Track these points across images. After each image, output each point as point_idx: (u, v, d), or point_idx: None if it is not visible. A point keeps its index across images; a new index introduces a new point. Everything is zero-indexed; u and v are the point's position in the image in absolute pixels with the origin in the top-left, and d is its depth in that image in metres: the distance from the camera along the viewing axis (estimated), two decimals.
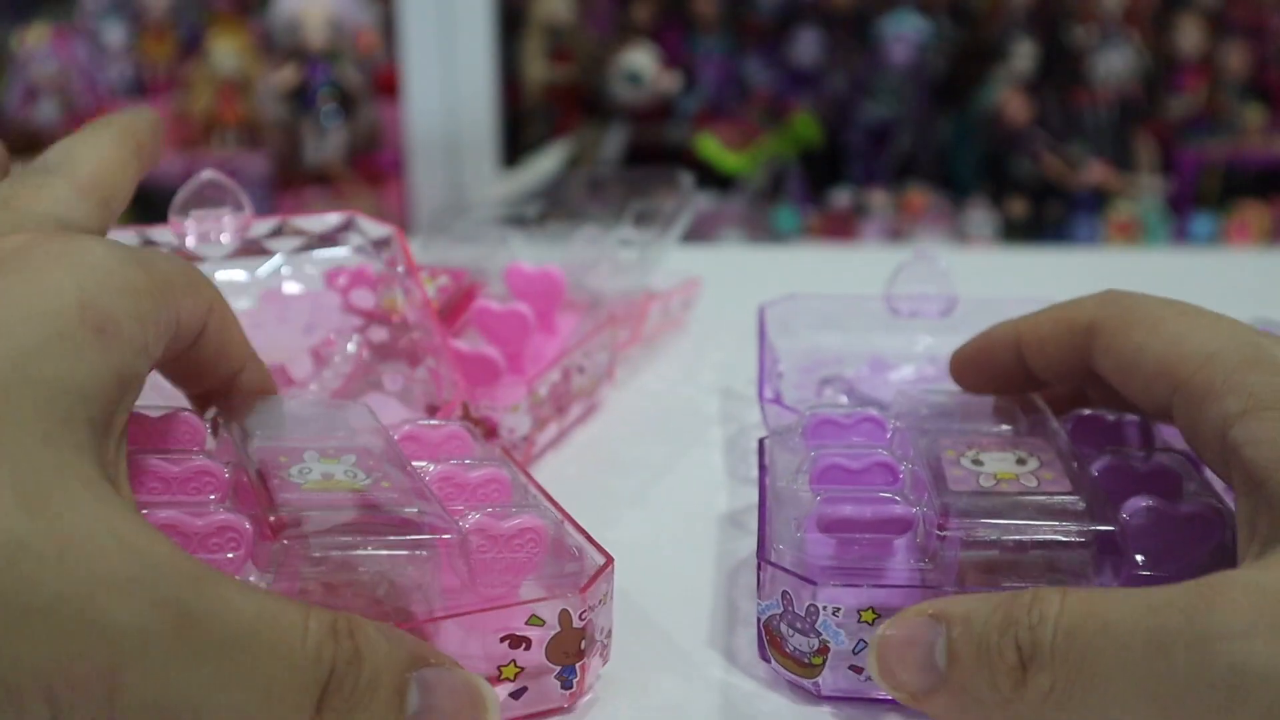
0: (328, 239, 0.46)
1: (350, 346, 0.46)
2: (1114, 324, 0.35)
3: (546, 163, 1.80)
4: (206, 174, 0.44)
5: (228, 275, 0.46)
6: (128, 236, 0.44)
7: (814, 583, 0.32)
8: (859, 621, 0.32)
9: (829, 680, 0.33)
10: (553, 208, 0.65)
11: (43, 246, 0.29)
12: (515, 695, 0.32)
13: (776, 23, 2.04)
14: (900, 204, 2.01)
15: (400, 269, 0.46)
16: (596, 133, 1.91)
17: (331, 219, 0.46)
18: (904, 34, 1.99)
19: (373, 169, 1.80)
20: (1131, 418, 0.40)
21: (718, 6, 2.03)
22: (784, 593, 0.33)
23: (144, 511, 0.30)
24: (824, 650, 0.33)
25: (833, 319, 0.51)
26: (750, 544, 0.43)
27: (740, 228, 1.90)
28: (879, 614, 0.32)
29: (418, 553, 0.30)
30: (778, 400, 0.45)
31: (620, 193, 0.62)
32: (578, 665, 0.32)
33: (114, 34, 1.95)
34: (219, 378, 0.35)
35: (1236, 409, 0.30)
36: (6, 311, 0.27)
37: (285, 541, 0.29)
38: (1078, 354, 0.37)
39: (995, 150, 1.99)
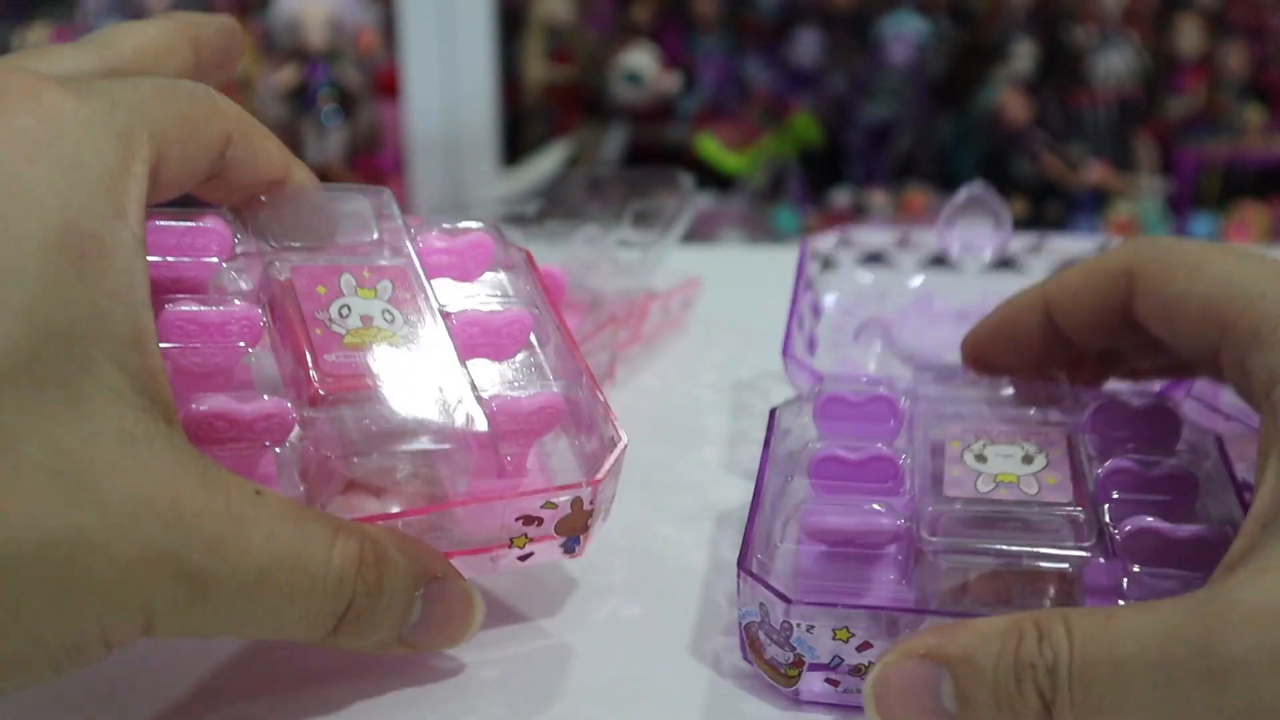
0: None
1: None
2: (1154, 268, 0.34)
3: (546, 163, 1.80)
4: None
5: None
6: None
7: (787, 601, 0.32)
8: (833, 639, 0.32)
9: (806, 690, 0.33)
10: (552, 207, 0.65)
11: (13, 123, 0.27)
12: (522, 558, 0.34)
13: (776, 23, 2.04)
14: (900, 204, 2.01)
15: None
16: (596, 133, 1.91)
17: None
18: (904, 34, 1.99)
19: (373, 169, 1.80)
20: (1159, 403, 0.38)
21: (718, 6, 2.03)
22: (761, 604, 0.33)
23: (192, 405, 0.30)
24: (799, 663, 0.32)
25: (880, 257, 0.50)
26: (734, 549, 0.43)
27: (740, 228, 1.90)
28: (853, 633, 0.32)
29: (446, 446, 0.32)
30: (799, 359, 0.43)
31: (620, 193, 0.62)
32: (581, 535, 0.34)
33: None
34: (258, 193, 0.35)
35: None
36: None
37: (325, 452, 0.31)
38: (1115, 304, 0.35)
39: (995, 150, 1.99)
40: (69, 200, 0.27)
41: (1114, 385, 0.41)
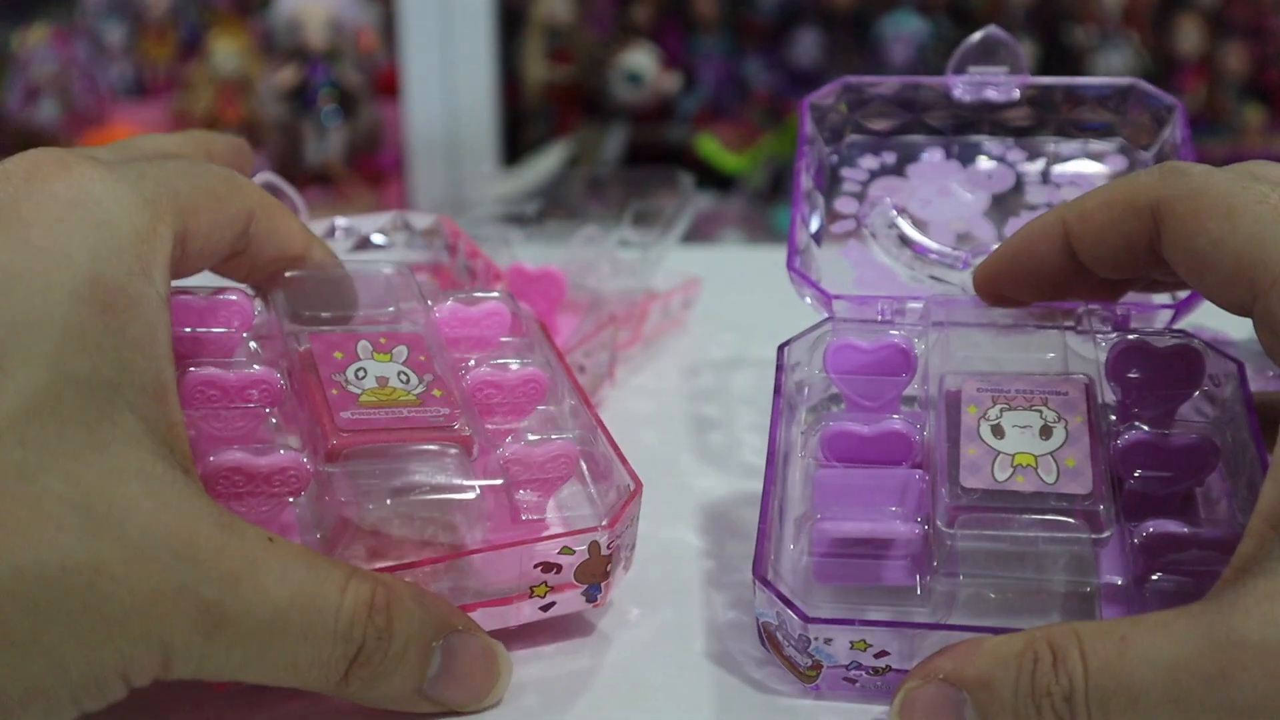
0: (376, 238, 0.47)
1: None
2: (1183, 208, 0.32)
3: (546, 163, 1.80)
4: (263, 176, 0.44)
5: None
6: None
7: (806, 619, 0.32)
8: (851, 649, 0.32)
9: (825, 685, 0.33)
10: (552, 207, 0.65)
11: (45, 189, 0.29)
12: (544, 609, 0.35)
13: (776, 23, 2.04)
14: None
15: (461, 251, 0.46)
16: (596, 133, 1.91)
17: (380, 218, 0.47)
18: (904, 34, 1.98)
19: (373, 169, 1.79)
20: (1183, 345, 0.36)
21: (718, 6, 2.03)
22: (777, 612, 0.33)
23: (210, 458, 0.32)
24: (817, 666, 0.33)
25: (894, 108, 0.46)
26: (750, 544, 0.43)
27: (740, 228, 1.90)
28: (870, 644, 0.32)
29: (461, 496, 0.33)
30: (804, 274, 0.41)
31: (620, 193, 0.62)
32: (602, 583, 0.35)
33: (114, 34, 1.94)
34: (280, 269, 0.37)
35: None
36: (23, 297, 0.28)
37: (342, 499, 0.32)
38: (1142, 240, 0.33)
39: None
40: (97, 256, 0.29)
41: (1134, 322, 0.39)
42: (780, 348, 0.39)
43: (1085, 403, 0.35)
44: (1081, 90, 0.44)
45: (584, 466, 0.36)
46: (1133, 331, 0.37)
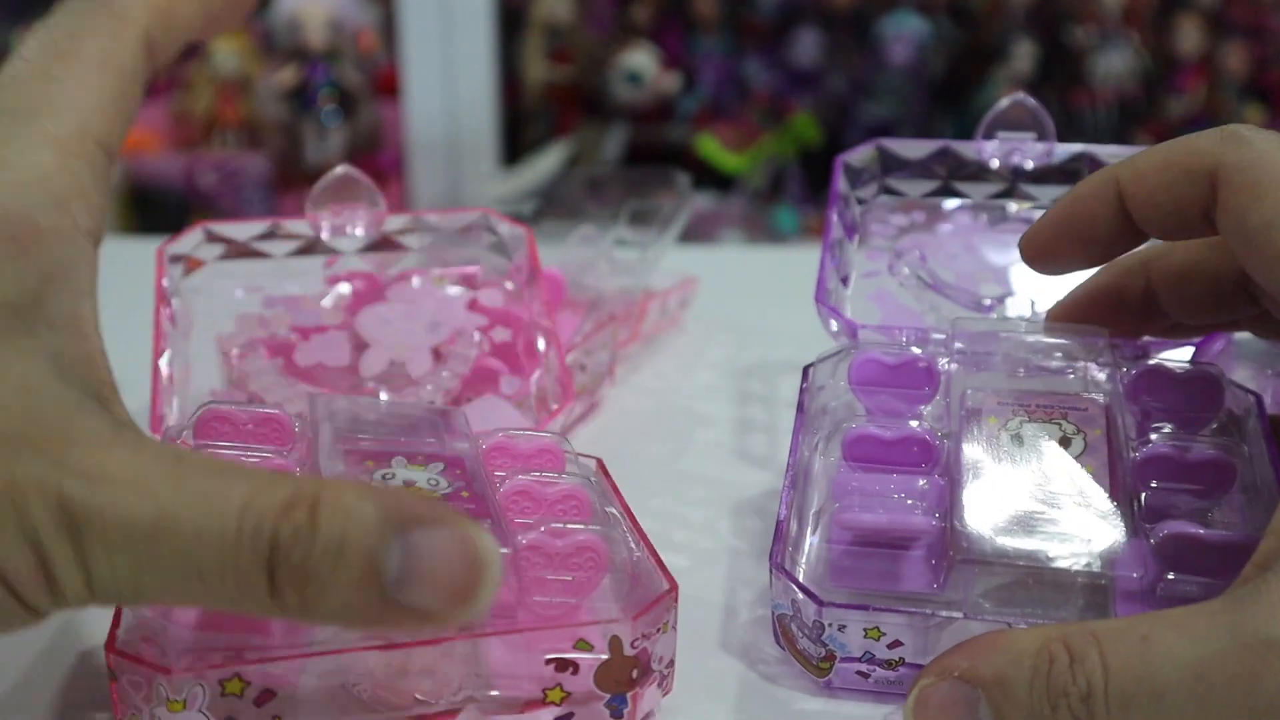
0: (460, 236, 0.47)
1: (470, 350, 0.45)
2: (1241, 180, 0.30)
3: (546, 163, 1.80)
4: (341, 169, 0.45)
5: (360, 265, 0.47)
6: (257, 228, 0.45)
7: (820, 603, 0.32)
8: (865, 637, 0.32)
9: (838, 681, 0.33)
10: (550, 207, 0.65)
11: None
12: None
13: (776, 23, 2.04)
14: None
15: (523, 271, 0.46)
16: (596, 133, 1.91)
17: (464, 217, 0.47)
18: (904, 34, 1.99)
19: (373, 169, 1.79)
20: (1200, 371, 0.36)
21: (718, 6, 2.03)
22: (792, 600, 0.33)
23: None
24: (831, 657, 0.33)
25: (920, 167, 0.47)
26: (748, 540, 0.43)
27: (740, 228, 1.90)
28: (884, 632, 0.32)
29: None
30: (831, 306, 0.42)
31: (618, 192, 0.62)
32: (629, 695, 0.31)
33: None
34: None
35: None
36: None
37: None
38: (1196, 206, 0.32)
39: None
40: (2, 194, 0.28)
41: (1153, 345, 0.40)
42: (805, 369, 0.39)
43: (1104, 419, 0.35)
44: (1102, 158, 0.45)
45: (616, 571, 0.32)
46: (1153, 358, 0.38)
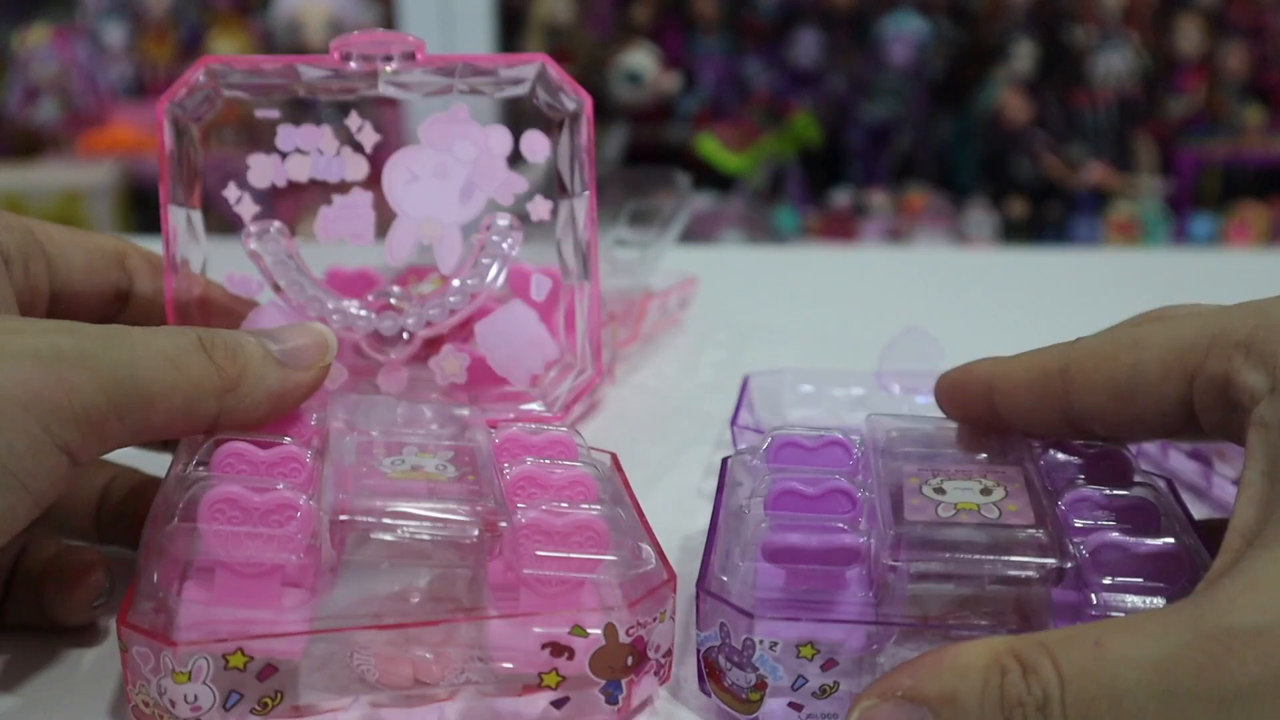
0: (509, 85, 0.43)
1: (501, 251, 0.42)
2: (1094, 358, 0.34)
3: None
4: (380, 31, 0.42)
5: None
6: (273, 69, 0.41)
7: (750, 615, 0.31)
8: (797, 656, 0.31)
9: (767, 717, 0.32)
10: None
11: None
12: (556, 704, 0.31)
13: (776, 23, 2.04)
14: (900, 204, 2.01)
15: (582, 147, 0.42)
16: (596, 133, 1.92)
17: (523, 68, 0.42)
18: (904, 34, 1.99)
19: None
20: (1113, 449, 0.38)
21: (718, 6, 2.03)
22: (722, 624, 0.31)
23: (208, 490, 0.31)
24: (762, 685, 0.31)
25: (819, 396, 0.49)
26: None
27: (740, 228, 1.90)
28: (818, 649, 0.31)
29: (464, 540, 0.30)
30: (750, 427, 0.43)
31: (617, 192, 0.62)
32: (624, 681, 0.31)
33: (114, 34, 1.95)
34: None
35: (1263, 386, 0.29)
36: None
37: (340, 518, 0.30)
38: (1054, 403, 0.35)
39: (995, 150, 2.00)
40: None
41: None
42: (724, 461, 0.39)
43: (1023, 478, 0.35)
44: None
45: (620, 556, 0.32)
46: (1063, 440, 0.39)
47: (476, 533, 0.31)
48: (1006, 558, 0.31)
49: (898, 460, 0.37)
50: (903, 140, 2.03)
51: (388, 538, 0.30)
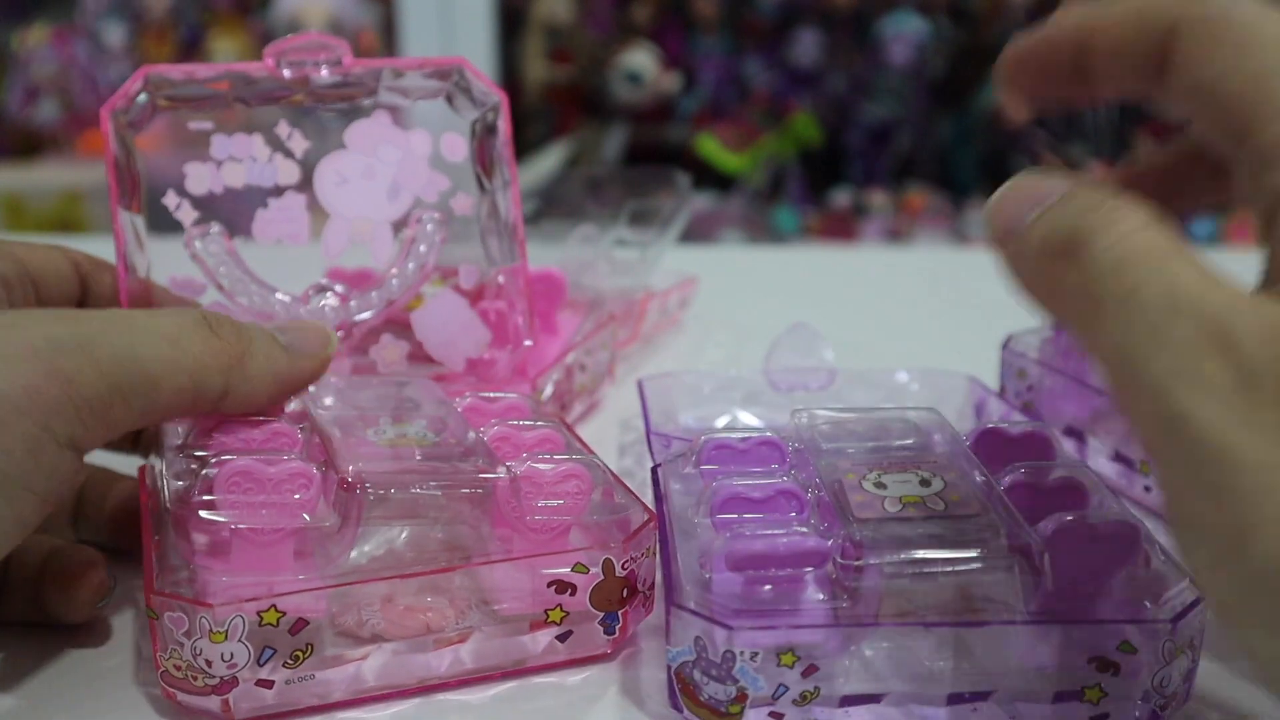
0: (428, 92, 0.46)
1: (431, 228, 0.45)
2: (1197, 33, 0.30)
3: (546, 163, 1.80)
4: (314, 34, 0.44)
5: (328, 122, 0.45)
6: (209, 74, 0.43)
7: (729, 627, 0.30)
8: (778, 665, 0.31)
9: None
10: (550, 207, 0.65)
11: None
12: (561, 638, 0.34)
13: (776, 23, 2.04)
14: (900, 204, 2.01)
15: (498, 141, 0.45)
16: (596, 133, 1.92)
17: (442, 70, 0.45)
18: (904, 34, 1.99)
19: None
20: (1035, 430, 0.38)
21: (718, 6, 2.03)
22: (696, 638, 0.31)
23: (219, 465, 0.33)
24: (742, 697, 0.31)
25: (711, 395, 0.49)
26: None
27: (740, 228, 1.90)
28: (799, 656, 0.31)
29: (474, 491, 0.33)
30: (666, 433, 0.43)
31: (618, 192, 0.62)
32: (620, 613, 0.34)
33: (114, 34, 1.95)
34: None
35: None
36: None
37: (358, 488, 0.32)
38: (1154, 62, 0.32)
39: (995, 150, 2.00)
40: None
41: (991, 414, 0.43)
42: (654, 469, 0.39)
43: (958, 467, 0.35)
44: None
45: (598, 500, 0.35)
46: (989, 421, 0.40)
47: (481, 485, 0.33)
48: (970, 552, 0.31)
49: (830, 455, 0.37)
50: (903, 140, 2.03)
51: (400, 495, 0.33)
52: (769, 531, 0.33)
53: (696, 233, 1.70)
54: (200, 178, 0.44)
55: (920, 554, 0.31)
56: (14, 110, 1.92)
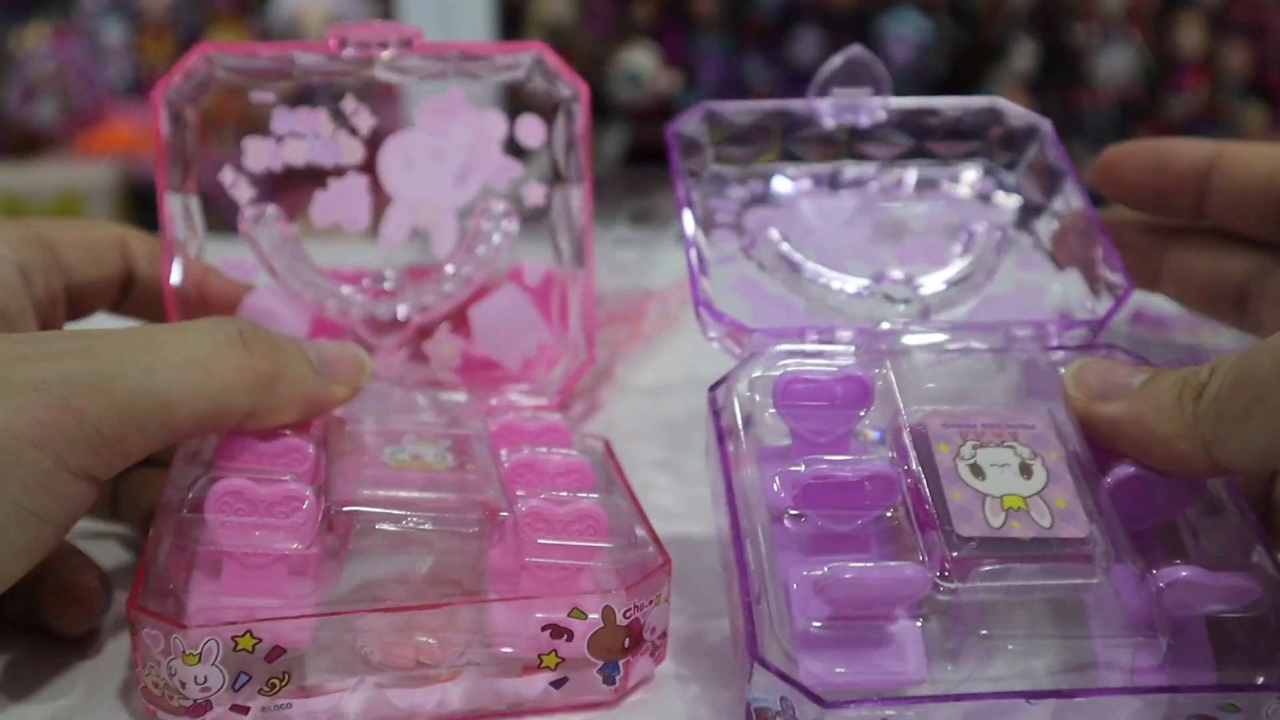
0: (504, 74, 0.43)
1: (496, 236, 0.42)
2: None
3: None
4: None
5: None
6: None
7: (823, 703, 0.28)
8: None
9: None
10: None
11: None
12: (555, 684, 0.32)
13: (776, 23, 2.04)
14: None
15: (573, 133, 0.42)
16: (596, 133, 1.91)
17: (520, 55, 0.42)
18: (904, 34, 1.98)
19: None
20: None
21: (718, 6, 2.03)
22: (783, 698, 0.29)
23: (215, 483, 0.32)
24: None
25: (757, 132, 0.44)
26: None
27: None
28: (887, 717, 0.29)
29: (466, 529, 0.32)
30: (723, 316, 0.39)
31: (617, 192, 0.62)
32: (621, 662, 0.32)
33: (113, 33, 1.94)
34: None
35: None
36: None
37: (345, 510, 0.31)
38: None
39: None
40: None
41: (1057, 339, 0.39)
42: (711, 390, 0.36)
43: (1054, 435, 0.33)
44: (942, 111, 0.43)
45: (615, 542, 0.33)
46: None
47: (478, 523, 0.32)
48: (1065, 581, 0.30)
49: (916, 397, 0.34)
50: None
51: (391, 528, 0.32)
52: (860, 568, 0.30)
53: None
54: (259, 153, 0.41)
55: (1011, 617, 0.30)
56: (12, 110, 1.92)
